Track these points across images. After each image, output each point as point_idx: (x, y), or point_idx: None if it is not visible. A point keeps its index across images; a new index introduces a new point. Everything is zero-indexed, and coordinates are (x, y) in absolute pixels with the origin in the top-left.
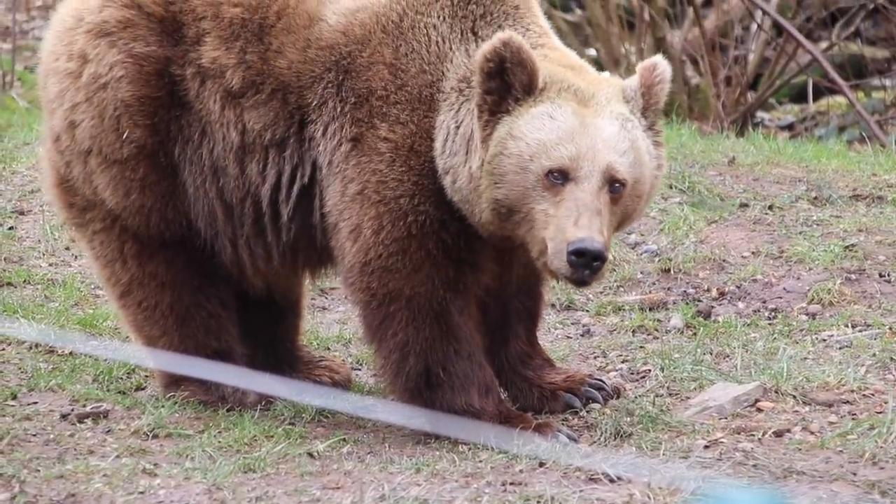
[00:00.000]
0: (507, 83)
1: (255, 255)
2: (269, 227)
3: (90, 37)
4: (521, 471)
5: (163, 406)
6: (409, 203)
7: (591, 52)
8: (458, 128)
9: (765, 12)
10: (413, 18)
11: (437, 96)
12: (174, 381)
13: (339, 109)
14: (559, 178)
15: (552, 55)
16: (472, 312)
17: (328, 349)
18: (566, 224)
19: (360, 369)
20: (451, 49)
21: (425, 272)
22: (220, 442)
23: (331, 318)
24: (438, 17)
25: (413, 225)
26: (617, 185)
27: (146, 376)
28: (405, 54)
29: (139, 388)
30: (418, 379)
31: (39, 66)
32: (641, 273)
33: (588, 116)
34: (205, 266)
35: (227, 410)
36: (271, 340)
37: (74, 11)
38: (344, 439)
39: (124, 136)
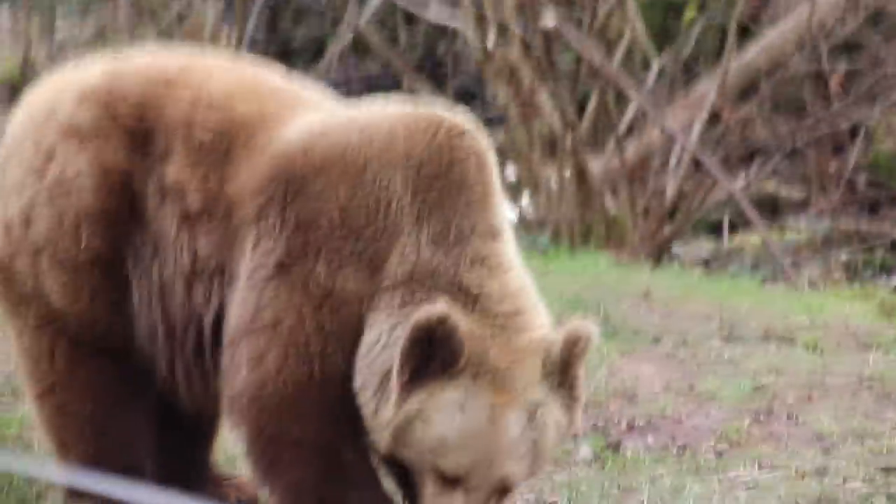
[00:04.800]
0: (431, 355)
1: (191, 381)
2: (208, 355)
3: (61, 135)
4: None
5: None
6: (319, 349)
7: (512, 175)
8: (385, 348)
9: (684, 146)
10: (377, 172)
11: (381, 271)
12: (77, 494)
13: (276, 228)
14: (451, 479)
15: (489, 286)
16: (367, 447)
17: (235, 466)
18: None
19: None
20: (403, 228)
21: (316, 416)
22: None
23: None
24: (401, 186)
25: (316, 371)
26: (508, 489)
27: (47, 486)
28: (359, 205)
29: (40, 498)
30: None
31: (2, 143)
32: None
33: (498, 410)
34: (134, 379)
35: None
36: (183, 457)
37: (48, 102)
38: None
39: (81, 244)
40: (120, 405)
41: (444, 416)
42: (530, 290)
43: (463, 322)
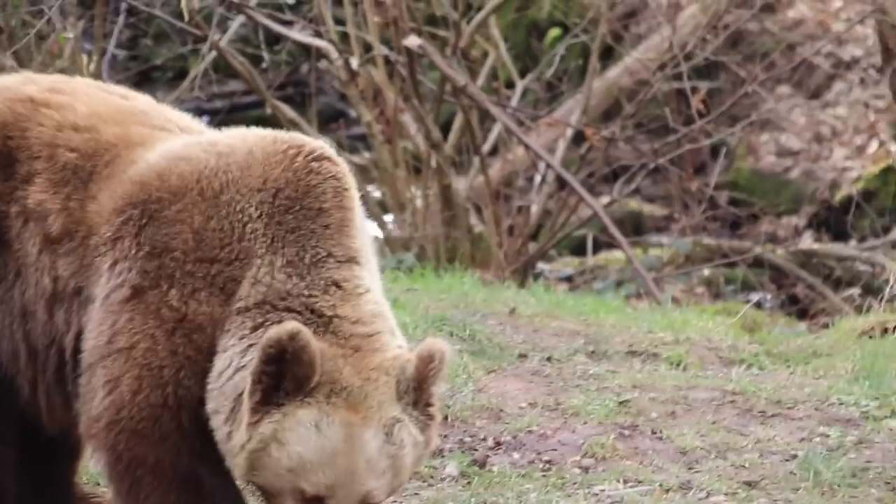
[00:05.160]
0: (283, 373)
1: (53, 403)
2: (70, 377)
3: None
4: None
5: None
6: (173, 374)
7: (377, 194)
8: (237, 371)
9: (549, 165)
10: (233, 196)
11: (235, 295)
12: None
13: (132, 251)
14: (313, 500)
15: (342, 309)
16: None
17: (98, 484)
18: None
19: None
20: (257, 252)
21: (173, 441)
22: None
23: None
24: (257, 210)
25: (171, 396)
26: None
27: None
28: (214, 229)
29: None
30: None
31: None
32: None
33: (355, 427)
34: None
35: None
36: (47, 478)
37: None
38: None
39: None
40: None
41: (300, 437)
42: (386, 314)
43: (314, 341)
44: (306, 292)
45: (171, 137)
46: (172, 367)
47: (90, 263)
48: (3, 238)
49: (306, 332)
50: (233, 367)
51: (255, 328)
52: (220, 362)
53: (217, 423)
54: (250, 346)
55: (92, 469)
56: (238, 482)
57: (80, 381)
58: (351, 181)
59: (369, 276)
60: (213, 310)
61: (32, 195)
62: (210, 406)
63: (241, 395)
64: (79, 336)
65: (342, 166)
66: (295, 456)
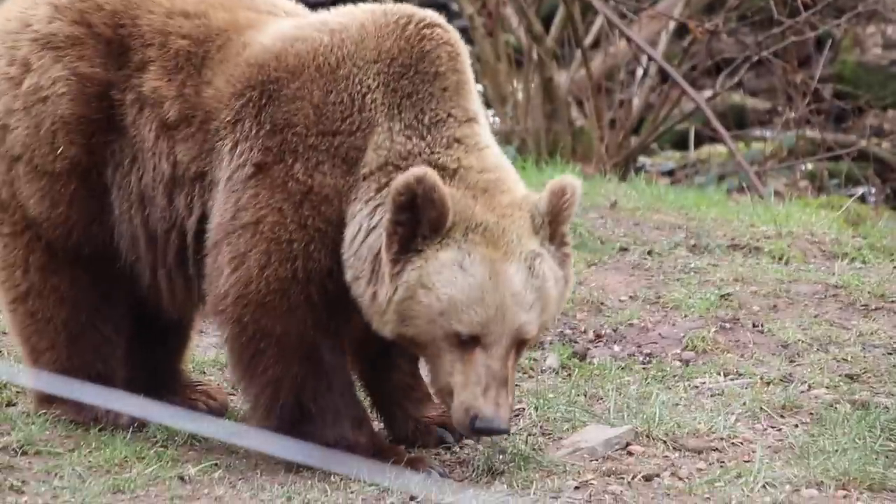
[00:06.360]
0: (417, 218)
1: (174, 286)
2: (191, 260)
3: (36, 46)
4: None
5: (33, 423)
6: (302, 247)
7: (479, 88)
8: (369, 233)
9: (651, 58)
10: (350, 70)
11: (359, 164)
12: (47, 399)
13: (252, 131)
14: (469, 340)
15: (467, 161)
16: (345, 349)
17: (203, 373)
18: (475, 390)
19: (235, 394)
20: (377, 120)
21: (300, 314)
22: (90, 461)
23: (208, 341)
24: (374, 80)
25: (300, 269)
26: (524, 342)
27: (17, 392)
28: (334, 102)
29: (10, 404)
30: (292, 412)
31: None
32: None
33: (497, 263)
34: (108, 288)
35: (99, 430)
36: (154, 363)
37: (20, 15)
38: (216, 464)
39: (59, 152)
40: (93, 312)
41: (445, 278)
42: (509, 166)
43: (442, 182)
44: (428, 150)
45: (280, 20)
46: (301, 240)
47: (211, 148)
48: (119, 125)
49: (432, 174)
50: (364, 230)
51: (379, 189)
52: (350, 229)
53: (359, 289)
54: (378, 206)
55: (198, 357)
56: (390, 337)
57: (205, 262)
58: (463, 47)
59: (487, 133)
60: (337, 181)
61: (147, 83)
62: (349, 274)
63: (377, 254)
64: (201, 219)
65: (453, 32)
66: (444, 298)
